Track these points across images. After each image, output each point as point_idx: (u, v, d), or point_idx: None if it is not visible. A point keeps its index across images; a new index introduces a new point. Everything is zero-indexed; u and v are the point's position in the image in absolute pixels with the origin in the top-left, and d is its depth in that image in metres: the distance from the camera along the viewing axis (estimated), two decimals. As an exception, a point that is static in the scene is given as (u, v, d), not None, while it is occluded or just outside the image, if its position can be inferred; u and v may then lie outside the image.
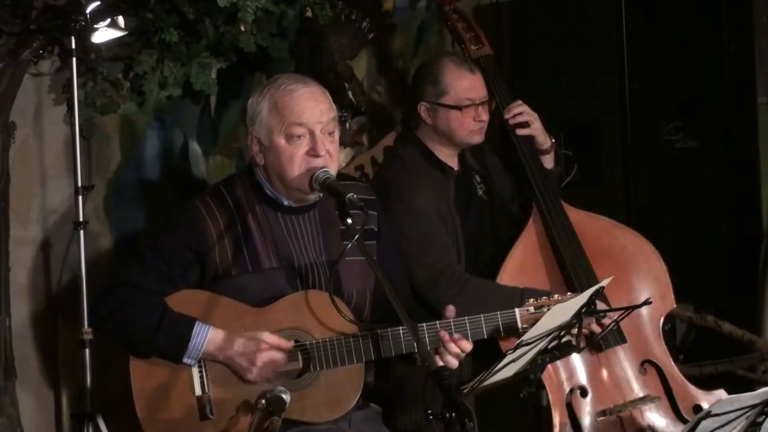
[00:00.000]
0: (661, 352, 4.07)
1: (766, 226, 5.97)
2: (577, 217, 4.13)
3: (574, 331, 3.37)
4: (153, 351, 3.33)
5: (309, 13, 4.73)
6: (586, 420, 3.90)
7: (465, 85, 4.15)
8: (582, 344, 3.85)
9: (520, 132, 4.26)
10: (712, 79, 5.67)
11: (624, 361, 4.00)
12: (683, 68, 5.55)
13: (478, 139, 4.20)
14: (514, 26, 5.65)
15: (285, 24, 4.59)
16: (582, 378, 3.94)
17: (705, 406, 3.97)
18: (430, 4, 5.56)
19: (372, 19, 4.99)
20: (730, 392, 3.17)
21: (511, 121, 4.26)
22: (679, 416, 3.97)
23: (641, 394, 3.97)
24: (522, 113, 4.27)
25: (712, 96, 5.68)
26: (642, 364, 4.02)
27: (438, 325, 3.38)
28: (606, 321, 3.77)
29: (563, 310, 3.30)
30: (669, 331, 5.65)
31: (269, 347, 3.29)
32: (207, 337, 3.31)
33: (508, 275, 4.03)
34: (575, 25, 5.34)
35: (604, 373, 3.97)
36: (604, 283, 3.38)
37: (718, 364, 5.42)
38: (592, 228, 4.15)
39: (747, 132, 5.90)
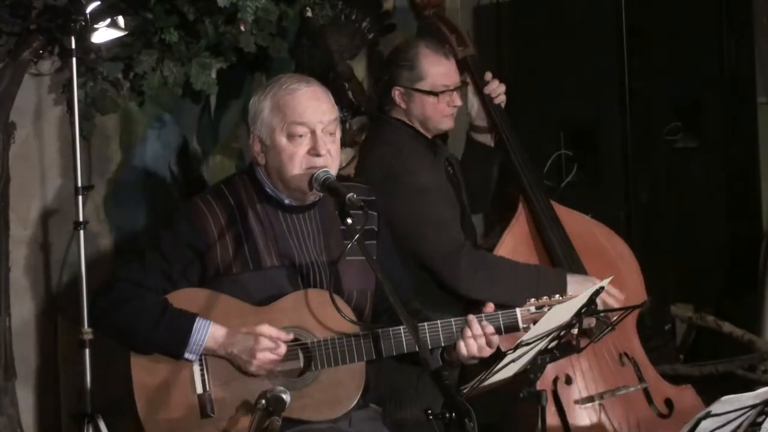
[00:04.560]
0: (637, 346, 4.14)
1: (766, 226, 5.98)
2: (560, 212, 4.17)
3: (574, 330, 3.37)
4: (154, 346, 3.33)
5: (309, 13, 4.74)
6: (571, 406, 3.94)
7: (441, 71, 4.14)
8: (582, 344, 3.85)
9: (497, 100, 4.27)
10: (712, 79, 5.67)
11: (606, 351, 4.05)
12: (683, 68, 5.56)
13: (449, 124, 4.21)
14: (514, 26, 5.66)
15: (285, 24, 4.59)
16: (567, 366, 3.97)
17: (675, 400, 4.06)
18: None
19: (372, 19, 4.99)
20: (730, 392, 3.16)
21: (493, 94, 4.27)
22: (654, 409, 4.04)
23: (622, 383, 4.03)
24: (500, 86, 4.29)
25: (712, 96, 5.69)
26: (621, 356, 4.08)
27: (438, 324, 3.38)
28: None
29: (563, 310, 3.30)
30: (669, 331, 5.66)
31: (268, 339, 3.30)
32: (208, 332, 3.31)
33: None
34: (575, 25, 5.34)
35: (589, 362, 4.01)
36: (604, 282, 3.37)
37: (718, 364, 5.43)
38: (576, 224, 4.18)
39: (747, 132, 5.91)
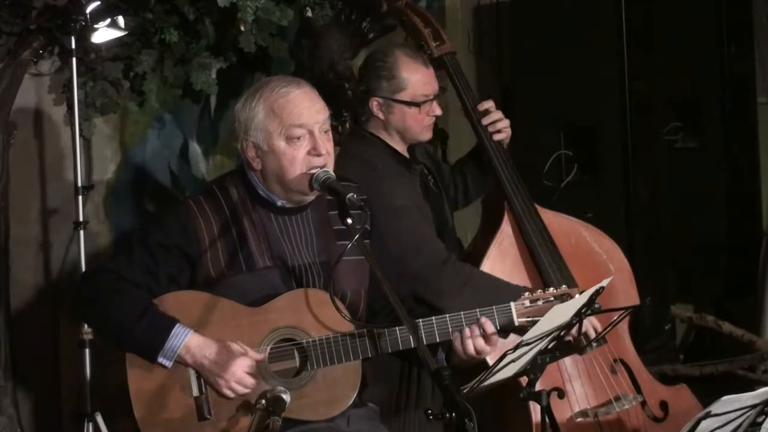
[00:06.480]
0: (629, 350, 4.07)
1: (766, 226, 5.98)
2: (547, 217, 4.07)
3: (574, 332, 3.37)
4: (129, 343, 3.29)
5: (309, 13, 4.74)
6: (564, 422, 3.85)
7: (422, 79, 3.99)
8: (586, 345, 3.83)
9: (496, 137, 4.10)
10: (712, 79, 5.68)
11: (597, 362, 3.96)
12: (683, 68, 5.57)
13: (428, 135, 4.08)
14: (514, 26, 5.66)
15: (285, 24, 4.59)
16: (558, 380, 3.90)
17: (670, 402, 4.00)
18: (432, 3, 5.57)
19: (372, 19, 4.99)
20: (730, 392, 3.16)
21: (491, 129, 4.10)
22: (648, 413, 3.98)
23: (616, 394, 3.94)
24: (500, 120, 4.11)
25: (712, 96, 5.70)
26: (613, 364, 3.98)
27: (434, 322, 3.38)
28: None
29: (563, 310, 3.29)
30: (669, 331, 5.67)
31: (241, 357, 3.27)
32: (184, 340, 3.26)
33: None
34: (575, 25, 5.34)
35: (580, 374, 3.95)
36: (604, 283, 3.36)
37: (718, 364, 5.43)
38: (562, 228, 4.08)
39: (747, 132, 5.92)
